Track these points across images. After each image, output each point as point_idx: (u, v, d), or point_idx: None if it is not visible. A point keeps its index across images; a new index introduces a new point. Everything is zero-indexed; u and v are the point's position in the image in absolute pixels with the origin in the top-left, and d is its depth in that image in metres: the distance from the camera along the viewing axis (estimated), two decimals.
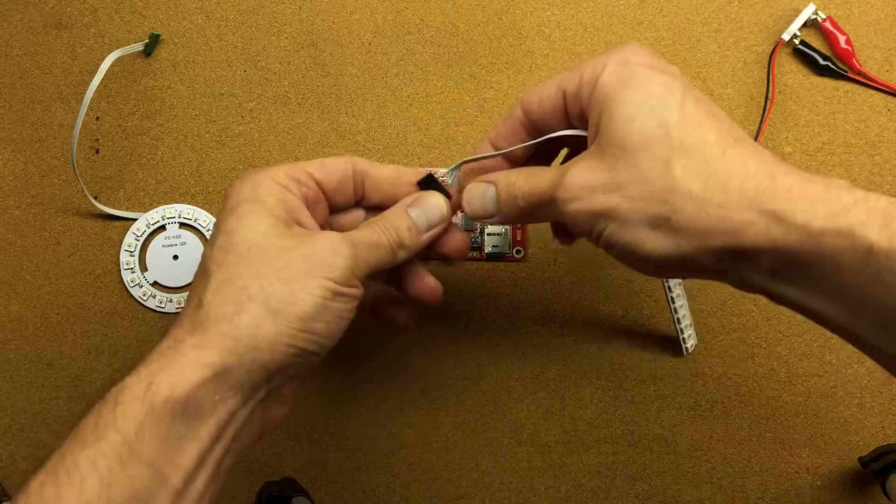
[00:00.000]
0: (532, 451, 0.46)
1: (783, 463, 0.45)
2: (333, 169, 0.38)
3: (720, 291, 0.46)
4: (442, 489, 0.46)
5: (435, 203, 0.38)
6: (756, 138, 0.47)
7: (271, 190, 0.35)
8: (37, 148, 0.48)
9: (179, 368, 0.31)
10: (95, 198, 0.48)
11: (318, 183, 0.37)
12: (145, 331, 0.47)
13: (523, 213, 0.36)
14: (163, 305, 0.47)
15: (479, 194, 0.37)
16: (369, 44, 0.48)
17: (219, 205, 0.48)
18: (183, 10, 0.49)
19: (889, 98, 0.47)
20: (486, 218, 0.37)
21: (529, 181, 0.35)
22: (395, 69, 0.48)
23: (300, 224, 0.35)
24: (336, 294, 0.33)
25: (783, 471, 0.45)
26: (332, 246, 0.34)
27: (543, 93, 0.35)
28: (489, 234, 0.47)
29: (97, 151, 0.48)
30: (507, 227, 0.47)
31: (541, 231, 0.47)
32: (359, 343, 0.47)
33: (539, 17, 0.48)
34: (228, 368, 0.32)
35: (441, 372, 0.46)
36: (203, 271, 0.34)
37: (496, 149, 0.37)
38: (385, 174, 0.38)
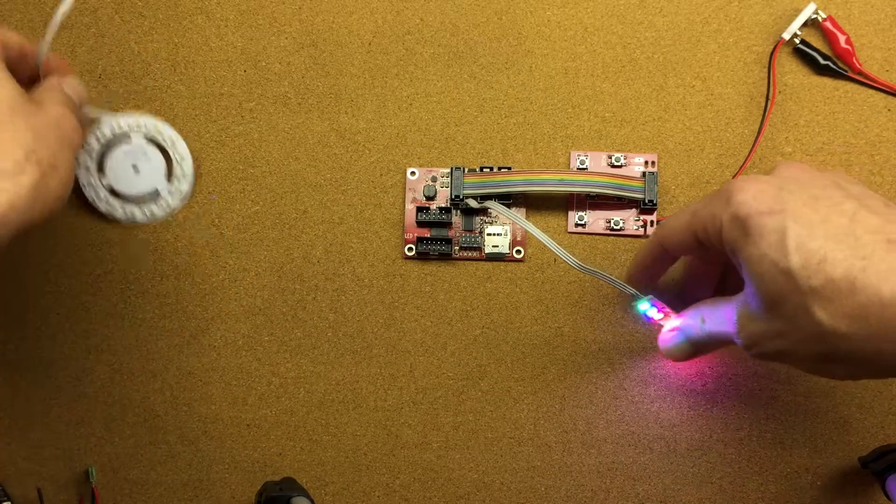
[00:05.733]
0: (532, 451, 0.46)
1: (783, 463, 0.45)
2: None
3: (717, 294, 0.46)
4: (442, 489, 0.46)
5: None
6: (756, 138, 0.47)
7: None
8: None
9: None
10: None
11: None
12: (145, 331, 0.47)
13: (709, 349, 0.41)
14: (112, 210, 0.47)
15: (673, 346, 0.41)
16: (369, 44, 0.48)
17: (219, 209, 0.48)
18: (183, 10, 0.49)
19: (889, 98, 0.47)
20: (684, 358, 0.41)
21: (709, 326, 0.39)
22: (395, 69, 0.48)
23: None
24: None
25: (783, 471, 0.45)
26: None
27: (676, 233, 0.38)
28: (489, 235, 0.47)
29: None
30: (506, 226, 0.47)
31: (542, 231, 0.47)
32: (358, 342, 0.47)
33: (539, 17, 0.48)
34: None
35: (441, 372, 0.46)
36: None
37: (641, 277, 0.42)
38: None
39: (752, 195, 0.33)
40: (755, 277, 0.33)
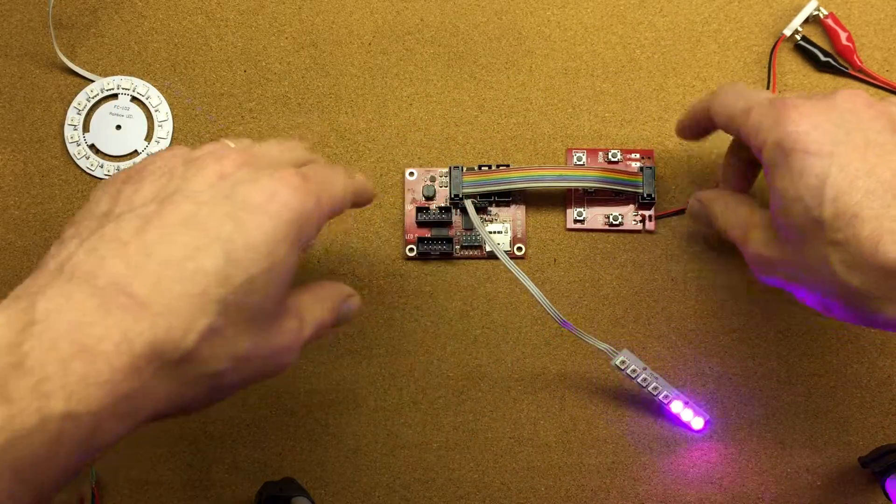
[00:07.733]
0: (532, 451, 0.46)
1: (783, 463, 0.45)
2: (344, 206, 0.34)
3: (718, 293, 0.46)
4: (442, 489, 0.46)
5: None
6: None
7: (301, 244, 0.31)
8: (37, 148, 0.48)
9: None
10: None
11: None
12: None
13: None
14: (93, 169, 0.48)
15: (697, 211, 0.42)
16: (369, 44, 0.48)
17: None
18: (183, 10, 0.49)
19: (890, 96, 0.47)
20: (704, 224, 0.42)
21: (723, 221, 0.39)
22: (395, 69, 0.48)
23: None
24: None
25: (783, 471, 0.45)
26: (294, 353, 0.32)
27: (721, 118, 0.37)
28: (489, 233, 0.47)
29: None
30: (507, 224, 0.47)
31: (540, 230, 0.47)
32: (358, 343, 0.47)
33: (539, 17, 0.48)
34: None
35: (441, 372, 0.46)
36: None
37: (687, 128, 0.42)
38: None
39: (805, 129, 0.32)
40: (783, 212, 0.32)
